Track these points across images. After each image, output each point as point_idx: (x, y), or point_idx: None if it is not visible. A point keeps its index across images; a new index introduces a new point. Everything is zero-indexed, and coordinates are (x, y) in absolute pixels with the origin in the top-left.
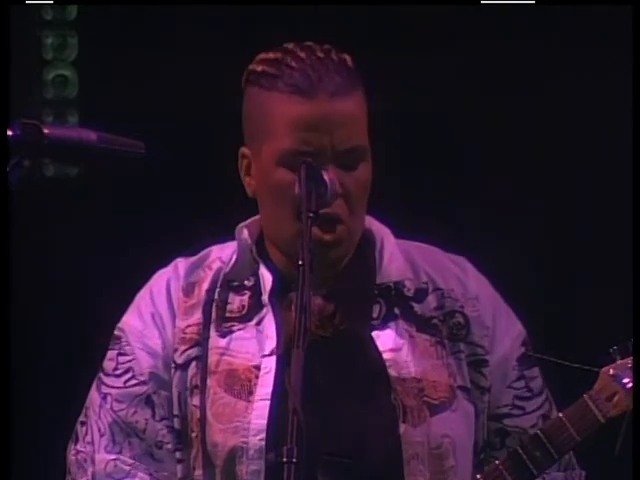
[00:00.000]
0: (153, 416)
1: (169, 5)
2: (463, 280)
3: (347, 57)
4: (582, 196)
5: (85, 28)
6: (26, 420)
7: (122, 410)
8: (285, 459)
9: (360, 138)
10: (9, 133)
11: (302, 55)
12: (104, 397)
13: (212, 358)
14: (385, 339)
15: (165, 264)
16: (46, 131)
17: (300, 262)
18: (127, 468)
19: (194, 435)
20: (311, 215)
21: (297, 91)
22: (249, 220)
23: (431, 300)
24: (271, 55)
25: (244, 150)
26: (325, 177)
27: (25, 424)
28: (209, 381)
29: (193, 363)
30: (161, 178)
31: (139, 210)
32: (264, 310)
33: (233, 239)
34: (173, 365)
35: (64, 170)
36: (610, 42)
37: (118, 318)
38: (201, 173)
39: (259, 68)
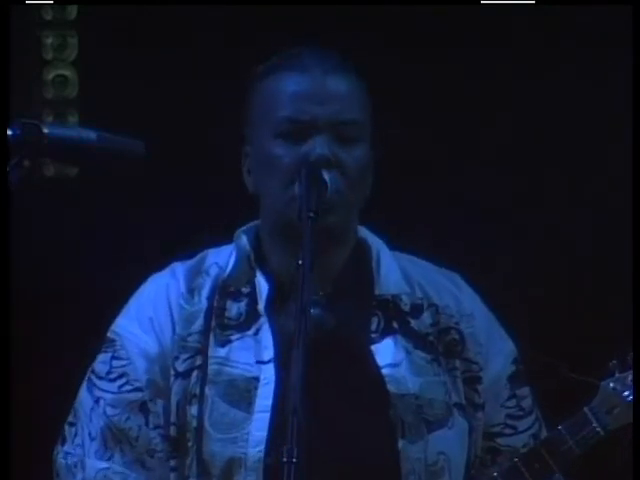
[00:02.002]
0: (146, 424)
1: (169, 5)
2: (457, 296)
3: (349, 60)
4: (582, 205)
5: (85, 28)
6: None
7: (115, 416)
8: (285, 459)
9: (355, 113)
10: (9, 133)
11: (304, 50)
12: (97, 400)
13: (211, 367)
14: (384, 354)
15: (160, 268)
16: (46, 131)
17: (300, 262)
18: (118, 478)
19: (190, 444)
20: (311, 215)
21: (294, 69)
22: (247, 225)
23: (426, 316)
24: (276, 56)
25: (247, 148)
26: (325, 177)
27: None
28: (207, 390)
29: (195, 372)
30: (161, 178)
31: (139, 210)
32: (261, 319)
33: (229, 242)
34: (173, 373)
35: (64, 170)
36: (610, 42)
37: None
38: (201, 173)
39: (262, 66)
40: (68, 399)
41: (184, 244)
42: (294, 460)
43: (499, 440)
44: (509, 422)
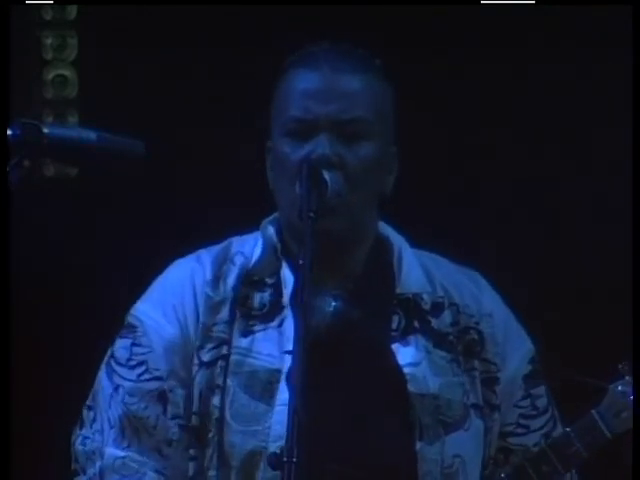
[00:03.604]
0: (164, 413)
1: (169, 5)
2: (477, 296)
3: (375, 58)
4: (584, 203)
5: (85, 28)
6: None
7: (134, 404)
8: (285, 458)
9: (361, 111)
10: (9, 133)
11: (323, 46)
12: (116, 388)
13: (234, 358)
14: (405, 353)
15: (160, 268)
16: (46, 131)
17: (300, 261)
18: (136, 466)
19: (211, 435)
20: (311, 215)
21: (306, 65)
22: (272, 216)
23: (447, 315)
24: (299, 51)
25: (269, 144)
26: (325, 177)
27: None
28: (229, 381)
29: (219, 362)
30: (161, 178)
31: (139, 210)
32: (285, 311)
33: (248, 232)
34: (197, 362)
35: (64, 170)
36: (610, 42)
37: (119, 317)
38: (201, 173)
39: (287, 62)
40: (66, 402)
41: (184, 244)
42: (294, 460)
43: (510, 439)
44: (522, 422)
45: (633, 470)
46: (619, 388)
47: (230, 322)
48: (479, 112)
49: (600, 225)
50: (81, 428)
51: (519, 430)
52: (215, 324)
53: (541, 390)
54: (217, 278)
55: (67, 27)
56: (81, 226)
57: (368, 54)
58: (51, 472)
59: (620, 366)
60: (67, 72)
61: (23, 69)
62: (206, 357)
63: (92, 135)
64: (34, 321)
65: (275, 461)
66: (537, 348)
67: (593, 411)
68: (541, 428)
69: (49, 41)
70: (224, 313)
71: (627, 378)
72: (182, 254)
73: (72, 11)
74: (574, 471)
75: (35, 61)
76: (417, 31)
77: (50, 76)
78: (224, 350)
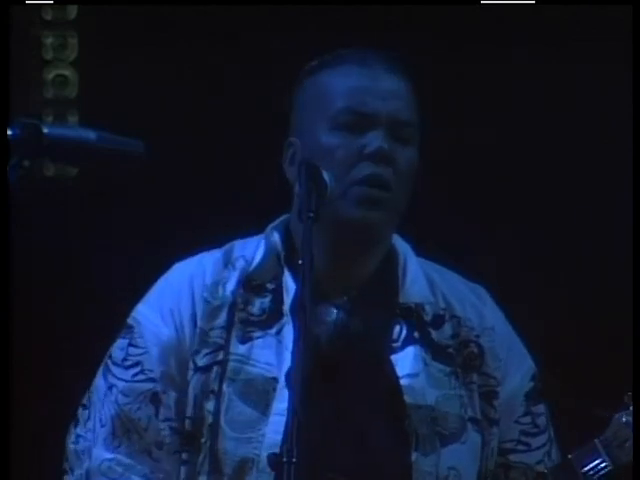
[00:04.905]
0: (156, 415)
1: (169, 5)
2: (480, 309)
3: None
4: (584, 203)
5: (85, 28)
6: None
7: (126, 405)
8: (285, 459)
9: (411, 114)
10: (9, 133)
11: (357, 49)
12: (110, 387)
13: (231, 364)
14: (403, 364)
15: (159, 268)
16: (46, 131)
17: (300, 261)
18: (120, 470)
19: (203, 440)
20: (311, 215)
21: (354, 63)
22: (278, 220)
23: (447, 328)
24: (326, 54)
25: (292, 139)
26: (325, 177)
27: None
28: (225, 387)
29: (215, 367)
30: (161, 178)
31: (139, 210)
32: (284, 319)
33: (250, 234)
34: (192, 367)
35: (64, 170)
36: (610, 42)
37: (118, 317)
38: (201, 173)
39: (315, 62)
40: (66, 402)
41: (185, 244)
42: (294, 460)
43: (511, 457)
44: (523, 439)
45: (633, 470)
46: (623, 419)
47: (227, 327)
48: (479, 112)
49: (607, 239)
50: (76, 427)
51: (520, 447)
52: (212, 329)
53: (541, 408)
54: (216, 283)
55: (67, 27)
56: (81, 226)
57: (393, 57)
58: (51, 472)
59: (626, 396)
60: (67, 72)
61: (23, 69)
62: (202, 362)
63: (92, 135)
64: (34, 321)
65: (275, 461)
66: (538, 368)
67: (596, 440)
68: (543, 446)
69: (49, 41)
70: (222, 318)
71: (631, 408)
72: (182, 254)
73: (72, 11)
74: None
75: (35, 61)
76: (417, 31)
77: (50, 76)
78: (220, 356)
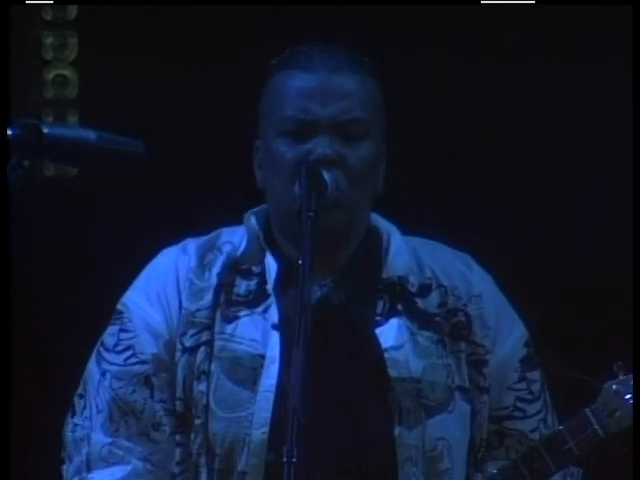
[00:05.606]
0: (152, 397)
1: (169, 5)
2: (468, 277)
3: (363, 56)
4: (586, 198)
5: (85, 28)
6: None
7: (121, 388)
8: (285, 459)
9: (360, 111)
10: (9, 133)
11: (314, 46)
12: (103, 373)
13: (217, 343)
14: (387, 336)
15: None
16: (46, 131)
17: (300, 261)
18: (121, 453)
19: (198, 422)
20: (311, 215)
21: (300, 66)
22: (257, 208)
23: (434, 297)
24: (289, 50)
25: (258, 142)
26: (325, 177)
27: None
28: (213, 367)
29: (202, 348)
30: (161, 177)
31: (139, 210)
32: (270, 299)
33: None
34: (180, 348)
35: (64, 170)
36: (610, 42)
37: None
38: (201, 173)
39: (275, 61)
40: (63, 393)
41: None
42: (294, 460)
43: (507, 423)
44: (519, 405)
45: (633, 470)
46: (613, 387)
47: (213, 308)
48: (479, 112)
49: (600, 212)
50: (72, 416)
51: (516, 414)
52: (198, 310)
53: (536, 375)
54: (202, 265)
55: (67, 27)
56: (81, 226)
57: (357, 53)
58: (51, 469)
59: (615, 365)
60: (67, 72)
61: (23, 69)
62: (188, 342)
63: (92, 135)
64: (34, 320)
65: (274, 462)
66: (531, 334)
67: (587, 410)
68: (538, 413)
69: (49, 41)
70: (207, 299)
71: (621, 377)
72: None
73: (72, 11)
74: (580, 471)
75: (35, 61)
76: (417, 31)
77: (50, 76)
78: (206, 336)
